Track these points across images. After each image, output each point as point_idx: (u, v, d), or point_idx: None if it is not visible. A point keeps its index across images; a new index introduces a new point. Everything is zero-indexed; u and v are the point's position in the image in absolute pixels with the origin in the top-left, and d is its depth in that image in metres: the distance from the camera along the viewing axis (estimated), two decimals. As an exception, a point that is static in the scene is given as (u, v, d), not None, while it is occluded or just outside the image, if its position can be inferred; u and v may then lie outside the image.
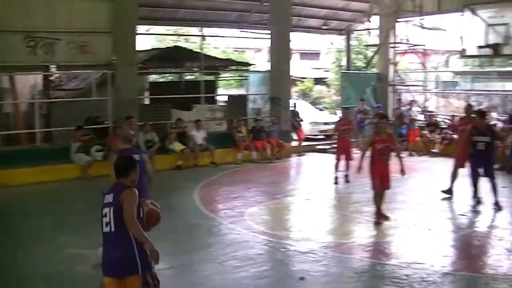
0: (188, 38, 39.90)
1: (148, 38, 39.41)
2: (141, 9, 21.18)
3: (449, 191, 14.20)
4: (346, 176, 16.09)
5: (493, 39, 17.52)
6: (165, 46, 33.10)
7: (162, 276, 8.77)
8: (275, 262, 9.43)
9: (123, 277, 6.03)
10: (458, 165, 14.29)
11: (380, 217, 11.62)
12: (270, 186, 16.17)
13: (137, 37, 19.66)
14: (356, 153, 16.29)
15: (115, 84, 18.38)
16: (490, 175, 13.15)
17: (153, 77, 27.97)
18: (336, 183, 16.04)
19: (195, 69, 23.75)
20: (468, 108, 15.43)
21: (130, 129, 14.41)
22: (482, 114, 14.20)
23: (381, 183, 11.49)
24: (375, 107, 23.85)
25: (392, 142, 11.67)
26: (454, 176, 14.27)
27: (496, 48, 17.47)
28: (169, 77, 28.82)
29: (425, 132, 22.52)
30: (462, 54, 18.91)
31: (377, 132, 11.87)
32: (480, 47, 17.85)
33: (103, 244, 6.18)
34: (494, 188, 13.05)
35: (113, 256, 6.04)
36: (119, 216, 5.98)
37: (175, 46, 31.39)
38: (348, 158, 16.18)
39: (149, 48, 30.32)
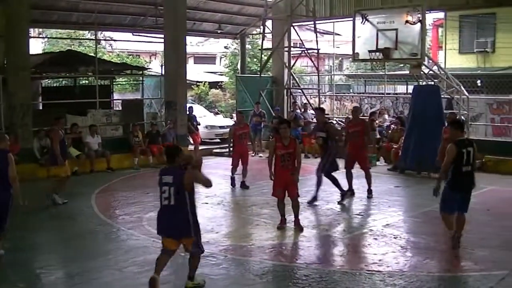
0: (82, 42, 39.29)
1: (41, 41, 38.61)
2: (34, 12, 20.71)
3: (348, 191, 14.70)
4: (243, 182, 16.17)
5: (383, 43, 18.03)
6: (59, 50, 32.45)
7: (61, 285, 8.72)
8: (175, 267, 9.38)
9: (179, 238, 8.03)
10: (347, 165, 14.85)
11: (283, 224, 11.65)
12: (168, 191, 16.11)
13: (30, 40, 19.16)
14: (252, 155, 16.57)
15: (7, 89, 17.87)
16: (318, 169, 14.00)
17: (46, 82, 27.33)
18: (233, 185, 16.18)
19: (89, 73, 23.35)
20: (356, 110, 15.85)
21: (60, 129, 14.30)
22: (320, 110, 15.22)
23: (283, 191, 11.49)
24: (275, 110, 24.17)
25: (294, 148, 11.45)
26: (348, 176, 14.76)
27: (386, 53, 18.01)
28: (63, 82, 28.24)
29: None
30: (355, 58, 19.36)
31: (278, 138, 11.72)
32: (371, 51, 18.32)
33: (162, 213, 8.08)
34: (318, 184, 13.71)
35: (172, 223, 7.96)
36: (178, 193, 7.84)
37: (69, 50, 30.83)
38: (245, 162, 16.32)
39: (42, 52, 29.66)
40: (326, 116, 25.26)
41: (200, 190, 16.18)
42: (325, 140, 13.73)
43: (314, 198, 13.97)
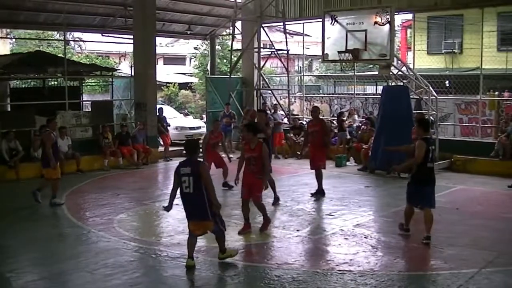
0: (51, 42, 38.97)
1: (9, 42, 38.24)
2: (0, 12, 20.49)
3: (319, 192, 14.79)
4: (225, 183, 15.96)
5: (352, 44, 18.10)
6: (27, 51, 32.14)
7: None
8: (146, 269, 9.40)
9: (199, 221, 9.18)
10: (310, 166, 14.96)
11: (245, 229, 11.54)
12: (138, 192, 16.08)
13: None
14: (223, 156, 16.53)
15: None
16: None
17: (14, 83, 27.04)
18: None
19: (58, 74, 23.15)
20: (314, 110, 15.81)
21: (53, 130, 14.27)
22: (261, 111, 15.09)
23: (247, 192, 11.44)
24: (247, 110, 24.12)
25: (259, 151, 11.33)
26: (315, 176, 14.87)
27: (355, 53, 18.09)
28: (32, 83, 27.97)
29: (290, 135, 23.08)
30: (324, 59, 19.41)
31: (245, 141, 11.74)
32: (340, 52, 18.38)
33: (184, 201, 9.22)
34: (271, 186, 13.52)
35: (193, 208, 9.13)
36: (196, 182, 8.98)
37: (38, 50, 30.53)
38: (222, 165, 16.17)
39: (10, 52, 29.33)
40: (296, 116, 25.53)
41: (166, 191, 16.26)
42: (265, 140, 13.64)
43: (277, 199, 14.08)
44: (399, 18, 31.04)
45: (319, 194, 14.86)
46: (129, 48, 25.06)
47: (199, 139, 10.99)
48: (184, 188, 9.12)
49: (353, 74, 27.34)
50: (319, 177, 14.98)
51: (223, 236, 9.51)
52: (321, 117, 16.25)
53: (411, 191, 10.87)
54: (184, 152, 9.79)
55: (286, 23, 25.53)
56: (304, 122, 23.22)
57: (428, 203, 10.79)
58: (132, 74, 23.29)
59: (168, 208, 9.53)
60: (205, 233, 9.49)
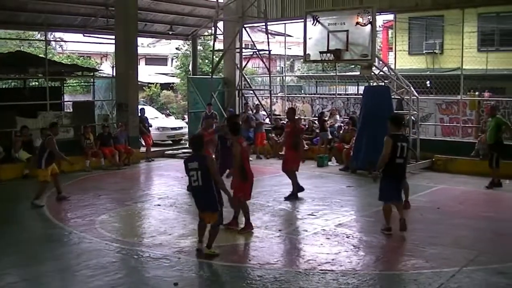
0: (32, 42, 38.72)
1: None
2: (-20, 12, 20.36)
3: (293, 194, 14.83)
4: None
5: (334, 45, 18.11)
6: (7, 51, 31.93)
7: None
8: (129, 270, 9.37)
9: (211, 213, 9.77)
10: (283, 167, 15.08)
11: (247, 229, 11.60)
12: (120, 193, 16.02)
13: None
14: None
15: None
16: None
17: (-5, 84, 26.89)
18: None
19: (39, 75, 23.02)
20: (288, 111, 15.76)
21: (55, 134, 14.54)
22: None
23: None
24: (229, 111, 24.12)
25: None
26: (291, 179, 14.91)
27: (337, 54, 18.11)
28: (13, 83, 27.80)
29: (272, 135, 23.09)
30: (306, 59, 19.42)
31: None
32: (322, 52, 18.40)
33: (194, 193, 9.96)
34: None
35: (202, 200, 9.73)
36: (203, 175, 9.48)
37: (18, 51, 30.35)
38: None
39: (-11, 53, 29.11)
40: (278, 116, 25.53)
41: (152, 192, 16.25)
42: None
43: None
44: (380, 19, 31.12)
45: (292, 197, 14.73)
46: (111, 49, 24.94)
47: (201, 135, 11.10)
48: (193, 182, 9.64)
49: (335, 74, 27.43)
50: (292, 179, 14.91)
51: (217, 231, 9.99)
52: (296, 118, 16.25)
53: (382, 186, 11.32)
54: (190, 147, 10.65)
55: (268, 23, 25.52)
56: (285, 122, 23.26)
57: (399, 198, 11.55)
58: (114, 74, 23.21)
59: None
60: (211, 223, 9.93)
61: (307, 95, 32.95)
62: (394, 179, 11.24)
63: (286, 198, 14.68)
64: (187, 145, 25.13)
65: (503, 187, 16.31)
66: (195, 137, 10.74)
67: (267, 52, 25.64)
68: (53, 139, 14.45)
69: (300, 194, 14.83)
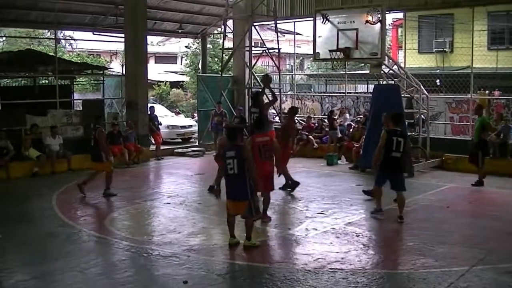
0: (42, 41, 38.81)
1: (-1, 40, 38.15)
2: (-10, 11, 20.42)
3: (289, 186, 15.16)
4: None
5: (343, 43, 18.08)
6: (17, 49, 32.02)
7: None
8: (138, 268, 9.39)
9: (239, 201, 10.17)
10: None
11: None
12: (130, 191, 16.04)
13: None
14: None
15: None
16: None
17: (5, 82, 26.94)
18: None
19: (49, 73, 23.05)
20: (288, 110, 15.81)
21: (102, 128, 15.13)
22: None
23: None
24: (238, 109, 24.09)
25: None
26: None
27: (346, 52, 18.07)
28: (23, 82, 27.87)
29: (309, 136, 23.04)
30: (315, 57, 19.40)
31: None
32: (331, 51, 18.36)
33: (228, 181, 10.24)
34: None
35: (235, 188, 10.09)
36: (239, 164, 9.98)
37: (28, 49, 30.38)
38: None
39: (0, 51, 29.20)
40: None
41: (162, 190, 16.27)
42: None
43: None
44: (390, 17, 31.17)
45: (287, 187, 15.20)
46: (120, 47, 24.95)
47: (239, 126, 12.56)
48: (229, 170, 10.13)
49: (344, 73, 27.41)
50: (285, 174, 15.02)
51: (252, 222, 10.40)
52: (294, 117, 16.44)
53: (378, 173, 12.52)
54: (228, 137, 10.81)
55: (278, 21, 25.47)
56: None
57: (400, 188, 12.27)
58: (123, 72, 23.20)
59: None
60: (238, 214, 10.34)
61: (317, 94, 32.90)
62: (389, 170, 12.15)
63: (282, 188, 15.07)
64: (197, 143, 25.25)
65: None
66: (231, 128, 11.74)
67: (277, 50, 25.62)
68: (103, 131, 14.98)
69: (310, 193, 14.93)
